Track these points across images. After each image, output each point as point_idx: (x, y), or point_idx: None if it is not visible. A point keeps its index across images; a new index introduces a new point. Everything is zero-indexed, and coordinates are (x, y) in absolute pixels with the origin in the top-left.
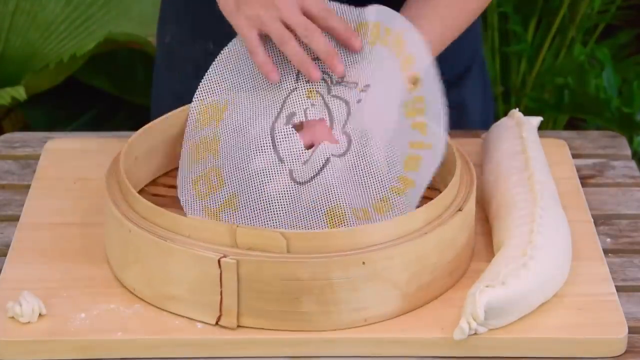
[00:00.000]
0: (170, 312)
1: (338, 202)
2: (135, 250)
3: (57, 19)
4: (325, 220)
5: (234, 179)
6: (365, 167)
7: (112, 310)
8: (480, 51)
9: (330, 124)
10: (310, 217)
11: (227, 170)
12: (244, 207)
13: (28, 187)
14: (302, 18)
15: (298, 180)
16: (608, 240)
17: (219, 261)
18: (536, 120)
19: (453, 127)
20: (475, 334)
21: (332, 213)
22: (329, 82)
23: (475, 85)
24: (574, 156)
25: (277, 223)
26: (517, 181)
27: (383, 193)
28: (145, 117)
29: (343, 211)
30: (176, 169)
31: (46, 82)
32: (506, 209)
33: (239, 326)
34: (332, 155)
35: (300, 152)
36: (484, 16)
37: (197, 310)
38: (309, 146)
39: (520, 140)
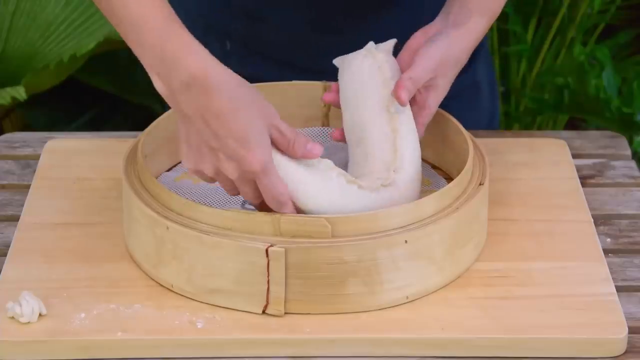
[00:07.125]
0: (215, 305)
1: None
2: (173, 247)
3: (57, 19)
4: None
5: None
6: None
7: (112, 310)
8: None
9: None
10: None
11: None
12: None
13: (28, 187)
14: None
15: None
16: (608, 240)
17: (266, 250)
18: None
19: (468, 106)
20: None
21: None
22: None
23: (485, 62)
24: (574, 156)
25: None
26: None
27: None
28: (145, 117)
29: None
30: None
31: (46, 82)
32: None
33: (285, 313)
34: None
35: None
36: None
37: (243, 300)
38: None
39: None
